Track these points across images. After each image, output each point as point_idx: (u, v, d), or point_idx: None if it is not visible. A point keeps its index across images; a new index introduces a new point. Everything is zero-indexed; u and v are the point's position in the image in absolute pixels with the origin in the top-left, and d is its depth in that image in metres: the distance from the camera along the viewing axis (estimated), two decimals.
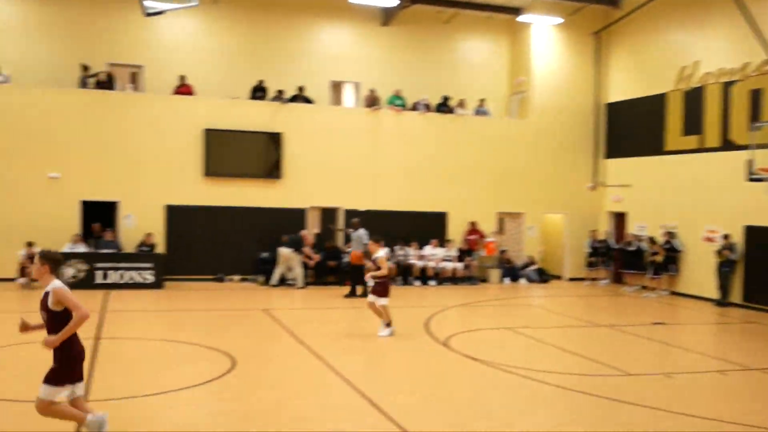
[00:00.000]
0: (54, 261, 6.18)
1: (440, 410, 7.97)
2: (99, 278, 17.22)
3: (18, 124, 18.00)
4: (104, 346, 10.81)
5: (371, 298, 12.30)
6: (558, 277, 22.71)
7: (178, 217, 19.11)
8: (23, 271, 17.04)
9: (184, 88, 20.01)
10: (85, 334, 11.40)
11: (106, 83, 19.24)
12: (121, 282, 17.36)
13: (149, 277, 17.59)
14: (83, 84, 19.11)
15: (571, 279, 22.52)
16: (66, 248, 17.39)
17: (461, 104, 22.47)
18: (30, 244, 17.04)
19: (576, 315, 15.73)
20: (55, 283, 6.04)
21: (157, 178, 19.03)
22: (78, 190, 18.40)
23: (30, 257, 16.97)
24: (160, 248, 18.68)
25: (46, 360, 6.29)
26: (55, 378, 6.07)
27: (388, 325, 12.23)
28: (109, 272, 17.33)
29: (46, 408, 6.12)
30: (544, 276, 22.01)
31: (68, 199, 18.28)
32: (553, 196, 22.65)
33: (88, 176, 18.50)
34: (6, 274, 17.46)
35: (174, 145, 19.20)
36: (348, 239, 18.01)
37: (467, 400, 8.40)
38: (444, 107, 22.18)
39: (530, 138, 22.56)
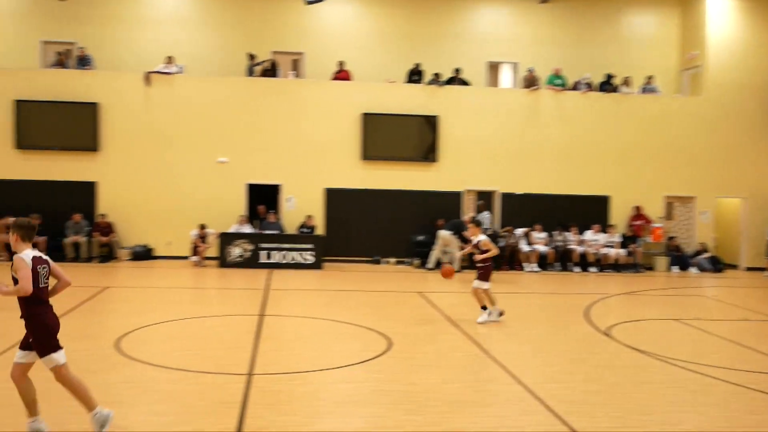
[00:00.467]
0: (22, 228, 6.22)
1: (600, 402, 7.63)
2: (263, 258, 18.12)
3: (191, 112, 19.27)
4: (267, 322, 11.34)
5: (476, 283, 11.73)
6: (734, 267, 21.13)
7: (336, 200, 19.69)
8: (195, 250, 18.28)
9: (342, 74, 20.51)
10: (250, 311, 12.05)
11: (270, 71, 20.12)
12: (284, 262, 18.16)
13: (309, 257, 18.27)
14: (250, 72, 20.10)
15: (749, 269, 20.86)
16: (232, 229, 18.45)
17: (626, 82, 21.38)
18: (202, 226, 18.26)
19: (753, 307, 14.53)
20: (22, 253, 6.13)
21: (317, 162, 19.68)
22: (244, 173, 19.44)
23: (201, 237, 18.18)
24: (320, 230, 19.35)
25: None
26: (40, 349, 6.19)
27: (484, 308, 11.72)
28: (273, 252, 18.18)
29: (60, 375, 6.29)
30: (717, 265, 20.53)
31: (235, 182, 19.37)
32: (728, 179, 21.05)
33: (254, 160, 19.49)
34: (181, 253, 18.82)
35: (333, 129, 19.76)
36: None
37: (629, 393, 7.98)
38: (607, 86, 21.20)
39: (704, 116, 21.06)
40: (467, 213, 20.14)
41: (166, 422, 6.65)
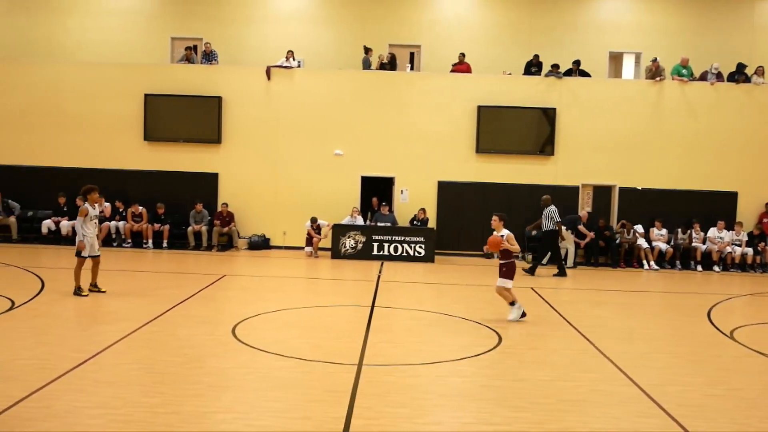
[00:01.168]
0: None
1: (722, 407, 7.20)
2: (375, 250, 18.32)
3: (309, 106, 19.72)
4: (377, 314, 11.45)
5: (499, 282, 11.17)
6: None
7: (449, 192, 19.61)
8: (309, 241, 18.72)
9: (461, 66, 20.37)
10: (361, 302, 12.20)
11: (388, 64, 20.28)
12: (395, 254, 18.29)
13: (421, 250, 18.31)
14: (366, 66, 20.34)
15: None
16: (345, 221, 18.76)
17: (758, 72, 20.04)
18: (314, 219, 18.68)
19: None
20: None
21: (431, 155, 19.67)
22: (358, 166, 19.71)
23: (315, 229, 18.60)
24: (432, 223, 19.34)
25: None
26: None
27: (513, 303, 11.17)
28: (385, 244, 18.35)
29: None
30: None
31: (350, 174, 19.67)
32: None
33: (368, 153, 19.72)
34: (296, 243, 19.34)
35: (447, 122, 19.68)
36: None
37: (754, 399, 7.49)
38: (738, 75, 19.95)
39: None
40: (584, 208, 19.56)
41: (279, 408, 6.84)
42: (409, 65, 21.10)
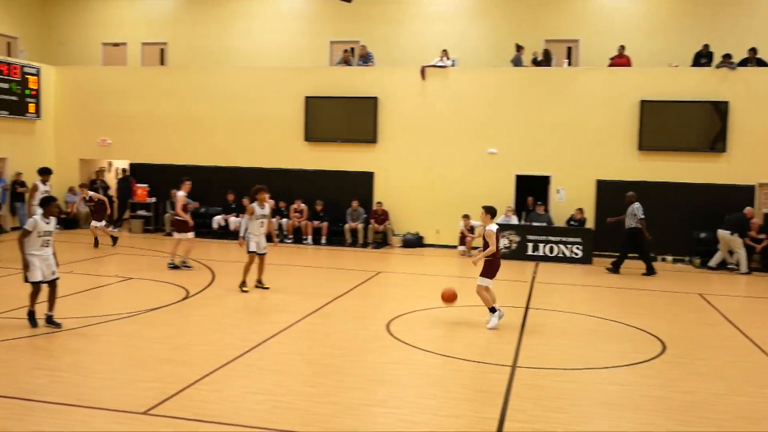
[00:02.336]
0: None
1: None
2: (530, 250, 18.00)
3: (463, 104, 19.71)
4: (532, 315, 11.26)
5: (479, 281, 10.32)
6: None
7: (608, 192, 18.87)
8: (462, 240, 18.72)
9: (620, 59, 19.56)
10: (515, 303, 12.04)
11: (543, 61, 19.85)
12: (551, 255, 17.87)
13: (578, 251, 17.77)
14: (517, 64, 20.01)
15: None
16: (500, 220, 18.56)
17: None
18: (466, 216, 18.60)
19: None
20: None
21: (588, 153, 19.03)
22: (513, 164, 19.44)
23: (469, 228, 18.55)
24: (590, 223, 18.71)
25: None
26: None
27: (492, 310, 10.26)
28: (540, 245, 17.98)
29: None
30: None
31: (504, 173, 19.45)
32: None
33: (523, 151, 19.40)
34: (449, 242, 19.40)
35: (606, 118, 18.95)
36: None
37: None
38: None
39: None
40: (761, 208, 18.13)
41: (433, 405, 6.92)
42: (567, 60, 20.53)
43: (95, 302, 11.41)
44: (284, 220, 19.82)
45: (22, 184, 19.84)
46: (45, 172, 15.56)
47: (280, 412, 6.60)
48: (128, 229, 20.98)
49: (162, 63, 23.49)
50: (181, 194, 14.64)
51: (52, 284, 9.38)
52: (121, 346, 8.72)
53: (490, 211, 10.35)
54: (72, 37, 24.08)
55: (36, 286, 9.25)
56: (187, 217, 14.72)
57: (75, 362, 7.96)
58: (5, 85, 19.92)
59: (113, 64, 23.50)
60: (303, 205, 19.79)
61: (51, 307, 9.40)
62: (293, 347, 8.94)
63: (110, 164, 23.51)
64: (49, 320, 9.33)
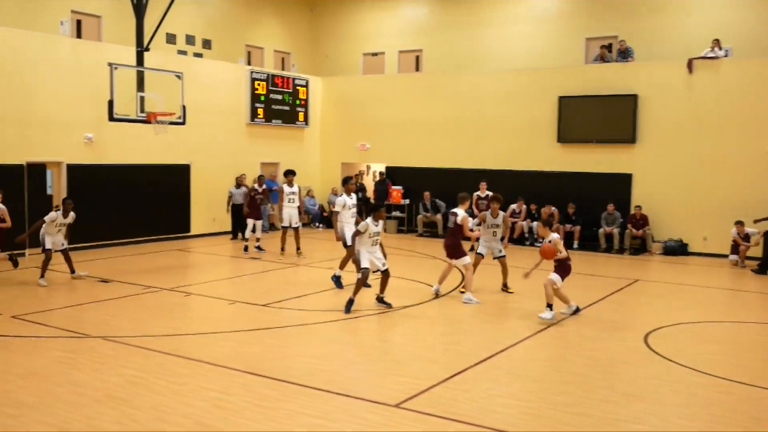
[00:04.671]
0: None
1: None
2: None
3: (738, 99, 17.92)
4: None
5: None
6: None
7: None
8: (735, 249, 17.04)
9: None
10: None
11: None
12: None
13: None
14: None
15: None
16: None
17: None
18: (740, 223, 16.90)
19: None
20: None
21: None
22: None
23: (743, 236, 16.83)
24: None
25: None
26: None
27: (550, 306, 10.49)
28: None
29: None
30: None
31: None
32: None
33: None
34: (718, 250, 17.77)
35: None
36: None
37: None
38: None
39: None
40: None
41: (693, 427, 6.38)
42: None
43: (347, 297, 12.12)
44: (535, 224, 19.59)
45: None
46: (289, 174, 16.84)
47: (527, 418, 6.52)
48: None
49: (417, 69, 24.45)
50: (461, 214, 11.77)
51: (385, 273, 10.99)
52: (375, 341, 9.20)
53: (549, 222, 10.76)
54: (336, 50, 25.98)
55: (365, 272, 10.82)
56: (473, 235, 12.05)
57: (334, 352, 8.55)
58: (279, 97, 22.06)
59: (372, 73, 24.94)
60: (553, 208, 19.38)
61: (383, 289, 11.14)
62: (542, 353, 8.78)
63: (368, 167, 24.96)
64: (380, 300, 11.12)
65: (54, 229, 12.66)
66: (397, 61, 24.88)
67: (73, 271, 13.07)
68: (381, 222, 11.12)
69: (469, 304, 11.48)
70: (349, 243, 12.46)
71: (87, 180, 16.91)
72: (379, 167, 23.55)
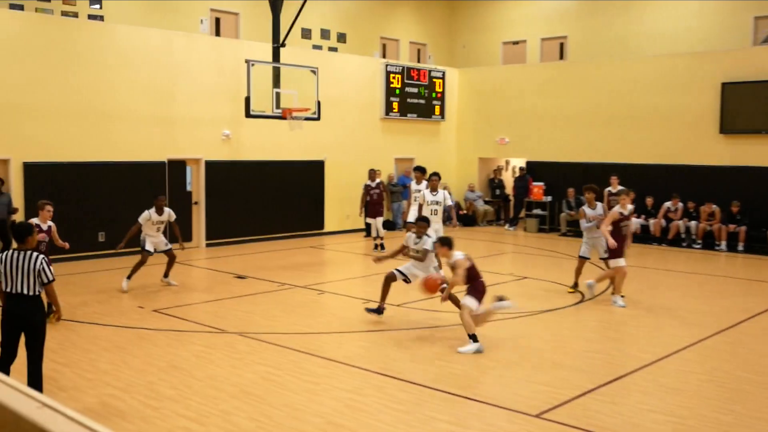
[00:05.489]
0: None
1: None
2: None
3: None
4: None
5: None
6: None
7: None
8: None
9: None
10: None
11: None
12: None
13: None
14: None
15: None
16: None
17: None
18: None
19: None
20: None
21: None
22: None
23: None
24: None
25: None
26: None
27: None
28: None
29: None
30: None
31: None
32: None
33: None
34: None
35: None
36: None
37: None
38: None
39: None
40: None
41: None
42: None
43: (486, 299, 11.98)
44: (693, 223, 18.57)
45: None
46: (419, 170, 16.81)
47: None
48: (523, 228, 21.75)
49: (561, 58, 23.85)
50: (616, 210, 11.48)
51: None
52: (514, 346, 9.05)
53: (446, 243, 9.29)
54: (474, 39, 25.83)
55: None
56: (612, 241, 11.20)
57: (469, 356, 8.48)
58: (415, 90, 22.21)
59: (512, 63, 24.58)
60: (714, 206, 18.28)
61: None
62: (701, 366, 8.31)
63: (507, 163, 24.65)
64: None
65: (152, 229, 12.20)
66: (539, 50, 24.40)
67: (166, 275, 12.52)
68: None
69: (615, 305, 11.11)
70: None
71: (224, 176, 17.79)
72: (519, 162, 23.19)
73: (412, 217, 13.68)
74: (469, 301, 8.83)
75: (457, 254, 9.03)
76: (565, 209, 20.60)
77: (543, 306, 11.18)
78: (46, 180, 14.82)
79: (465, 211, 22.44)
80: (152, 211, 12.16)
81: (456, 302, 9.21)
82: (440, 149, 23.46)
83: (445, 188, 14.67)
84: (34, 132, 14.73)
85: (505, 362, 8.35)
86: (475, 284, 8.93)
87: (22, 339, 6.62)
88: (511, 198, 22.93)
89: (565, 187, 20.62)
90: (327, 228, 20.21)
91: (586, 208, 12.30)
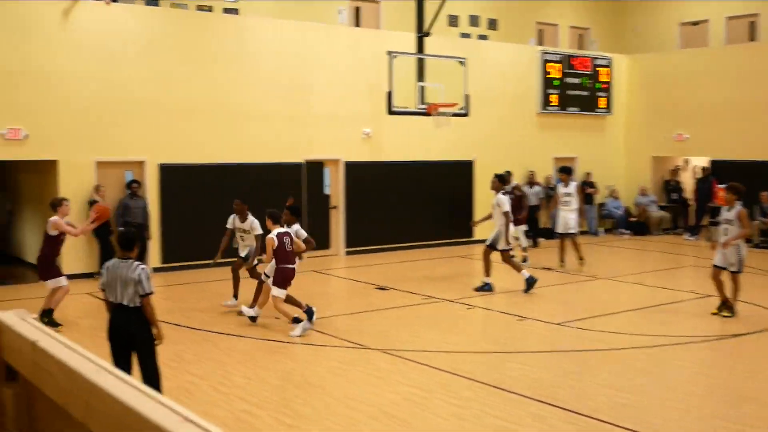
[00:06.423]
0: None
1: None
2: None
3: None
4: None
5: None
6: None
7: None
8: None
9: None
10: None
11: None
12: None
13: None
14: None
15: None
16: None
17: None
18: None
19: None
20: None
21: None
22: None
23: None
24: None
25: None
26: None
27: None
28: None
29: None
30: None
31: None
32: None
33: None
34: None
35: None
36: None
37: None
38: None
39: None
40: None
41: None
42: None
43: (662, 319, 11.50)
44: None
45: (591, 184, 21.29)
46: (564, 171, 16.37)
47: None
48: (706, 238, 20.73)
49: (751, 39, 22.59)
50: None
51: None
52: (695, 374, 8.63)
53: (274, 216, 10.45)
54: (645, 21, 24.94)
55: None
56: None
57: (643, 385, 8.16)
58: (576, 80, 21.73)
59: (692, 46, 23.55)
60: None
61: None
62: None
63: (686, 162, 23.61)
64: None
65: (237, 237, 11.84)
66: (725, 30, 23.23)
67: (235, 297, 11.85)
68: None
69: None
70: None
71: (364, 178, 18.08)
72: (701, 162, 22.16)
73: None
74: (276, 291, 10.13)
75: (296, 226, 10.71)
76: (759, 216, 19.45)
77: (730, 330, 10.59)
78: (180, 182, 15.61)
79: (636, 218, 21.65)
80: (234, 217, 11.84)
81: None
82: (606, 147, 22.81)
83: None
84: (168, 132, 15.58)
85: (683, 393, 7.96)
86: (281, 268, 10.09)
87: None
88: (691, 203, 21.94)
89: (757, 190, 19.46)
90: (477, 236, 20.11)
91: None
